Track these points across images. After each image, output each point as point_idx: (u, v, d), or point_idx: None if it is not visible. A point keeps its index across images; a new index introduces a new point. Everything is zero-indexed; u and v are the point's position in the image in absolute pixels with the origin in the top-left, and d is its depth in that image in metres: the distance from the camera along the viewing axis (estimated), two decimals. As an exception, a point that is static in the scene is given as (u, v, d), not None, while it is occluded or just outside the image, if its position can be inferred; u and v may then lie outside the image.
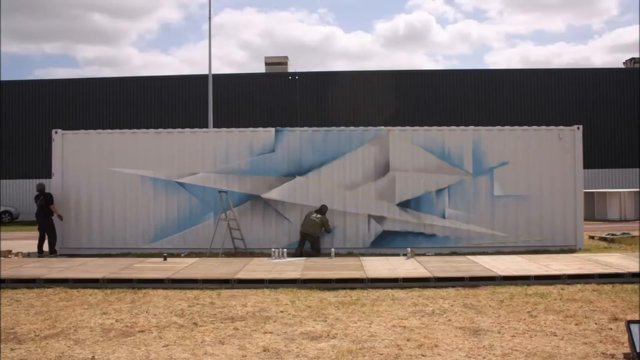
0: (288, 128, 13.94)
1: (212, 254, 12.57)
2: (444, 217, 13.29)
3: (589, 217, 22.25)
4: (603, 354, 5.36)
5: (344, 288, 8.69)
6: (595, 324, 6.45)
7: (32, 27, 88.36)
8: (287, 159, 13.47)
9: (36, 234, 13.60)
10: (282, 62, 34.66)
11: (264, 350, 5.56)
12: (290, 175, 13.43)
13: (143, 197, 13.49)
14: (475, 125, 13.95)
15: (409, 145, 13.45)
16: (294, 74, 32.10)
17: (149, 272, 9.69)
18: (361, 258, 11.56)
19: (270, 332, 6.23)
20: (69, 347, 5.78)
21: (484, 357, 5.31)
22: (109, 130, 14.25)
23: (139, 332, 6.33)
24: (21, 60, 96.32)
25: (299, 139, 13.55)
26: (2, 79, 33.44)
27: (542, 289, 8.47)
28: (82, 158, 13.56)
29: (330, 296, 8.14)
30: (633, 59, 34.87)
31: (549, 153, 13.47)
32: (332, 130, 13.69)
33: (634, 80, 31.20)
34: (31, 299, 8.15)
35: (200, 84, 29.50)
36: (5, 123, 31.23)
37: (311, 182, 13.30)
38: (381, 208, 13.38)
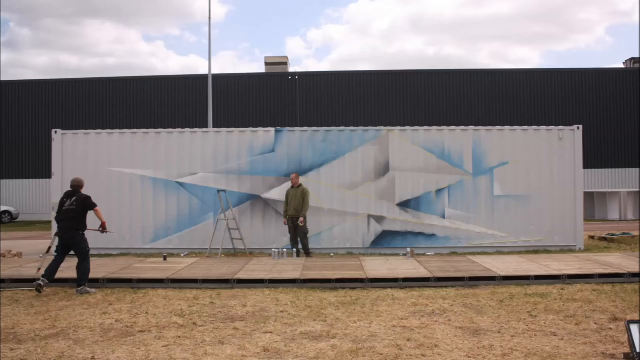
0: (288, 128, 13.95)
1: (212, 254, 12.57)
2: (444, 217, 13.29)
3: (589, 217, 22.27)
4: (603, 354, 5.36)
5: (344, 288, 8.69)
6: (595, 324, 6.45)
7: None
8: (287, 159, 13.48)
9: (36, 234, 13.56)
10: (282, 62, 34.70)
11: (264, 350, 5.56)
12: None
13: (143, 197, 13.49)
14: (475, 125, 13.96)
15: (409, 146, 13.45)
16: (294, 74, 32.11)
17: (148, 272, 9.69)
18: (361, 258, 11.56)
19: (270, 332, 6.22)
20: (69, 347, 5.78)
21: (484, 357, 5.31)
22: (109, 130, 14.25)
23: (139, 332, 6.32)
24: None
25: (298, 139, 13.55)
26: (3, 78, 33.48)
27: (542, 289, 8.47)
28: (82, 158, 13.56)
29: (330, 296, 8.14)
30: (633, 59, 34.87)
31: (549, 153, 13.47)
32: (332, 130, 13.69)
33: (634, 80, 31.20)
34: (31, 299, 8.15)
35: (200, 84, 29.52)
36: (5, 123, 31.24)
37: (311, 182, 13.30)
38: (381, 208, 13.38)
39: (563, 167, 13.44)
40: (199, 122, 26.17)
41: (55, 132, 13.75)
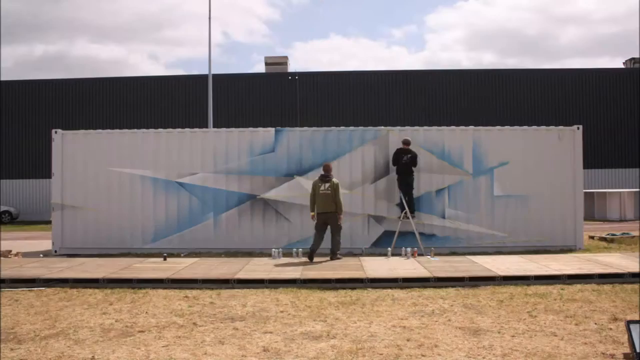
0: (288, 128, 13.94)
1: (212, 254, 12.56)
2: (443, 217, 13.29)
3: (589, 217, 22.24)
4: (603, 354, 5.36)
5: (344, 288, 8.69)
6: (595, 324, 6.45)
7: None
8: (287, 159, 13.47)
9: (36, 234, 13.60)
10: (282, 62, 34.69)
11: (264, 350, 5.56)
12: (290, 175, 13.43)
13: (143, 197, 13.48)
14: (475, 125, 13.95)
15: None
16: (294, 74, 32.11)
17: (148, 272, 9.69)
18: (361, 258, 11.55)
19: (270, 332, 6.23)
20: (69, 347, 5.78)
21: (484, 357, 5.31)
22: (109, 130, 14.24)
23: (139, 332, 6.32)
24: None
25: (299, 139, 13.55)
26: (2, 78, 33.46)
27: (542, 289, 8.47)
28: (82, 158, 13.56)
29: (330, 296, 8.14)
30: (633, 59, 34.87)
31: (549, 153, 13.46)
32: (332, 130, 13.69)
33: (634, 80, 31.20)
34: (31, 299, 8.15)
35: (200, 84, 29.51)
36: (5, 123, 31.24)
37: (311, 182, 13.27)
38: (381, 208, 13.38)
39: (563, 167, 13.43)
40: (199, 122, 26.15)
41: (55, 132, 13.75)
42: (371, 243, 13.29)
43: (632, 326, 4.99)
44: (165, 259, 11.31)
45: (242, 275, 9.36)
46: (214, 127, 24.07)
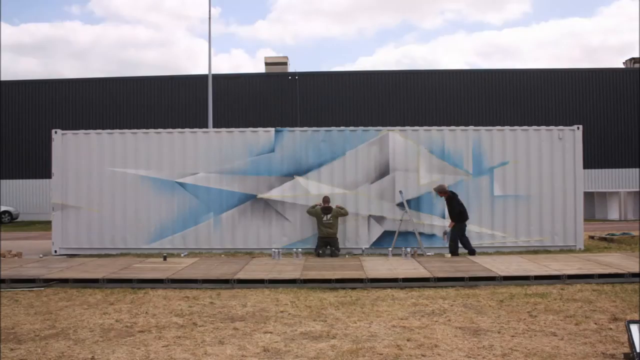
0: (288, 128, 13.94)
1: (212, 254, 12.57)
2: (443, 217, 13.27)
3: (589, 217, 22.27)
4: (603, 354, 5.36)
5: (344, 288, 8.69)
6: (595, 324, 6.45)
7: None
8: (287, 159, 13.47)
9: (36, 234, 13.59)
10: (282, 62, 34.68)
11: (264, 350, 5.56)
12: (290, 175, 13.43)
13: (143, 197, 13.49)
14: (475, 125, 13.96)
15: (409, 145, 13.45)
16: (294, 74, 32.10)
17: (148, 272, 9.69)
18: (361, 258, 11.56)
19: (270, 332, 6.23)
20: (68, 347, 5.78)
21: (484, 357, 5.31)
22: (109, 130, 14.24)
23: (139, 332, 6.32)
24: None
25: (298, 139, 13.55)
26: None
27: (542, 289, 8.47)
28: (82, 158, 13.57)
29: (330, 296, 8.14)
30: (633, 59, 34.86)
31: (549, 153, 13.47)
32: (332, 130, 13.69)
33: (634, 80, 31.19)
34: (31, 299, 8.15)
35: (200, 84, 29.51)
36: (5, 123, 31.23)
37: (311, 182, 13.31)
38: (381, 208, 13.38)
39: (563, 167, 13.44)
40: (199, 122, 26.15)
41: (55, 132, 13.75)
42: (371, 243, 13.30)
43: (632, 326, 4.99)
44: (165, 259, 11.31)
45: (242, 275, 9.36)
46: (214, 127, 24.07)
